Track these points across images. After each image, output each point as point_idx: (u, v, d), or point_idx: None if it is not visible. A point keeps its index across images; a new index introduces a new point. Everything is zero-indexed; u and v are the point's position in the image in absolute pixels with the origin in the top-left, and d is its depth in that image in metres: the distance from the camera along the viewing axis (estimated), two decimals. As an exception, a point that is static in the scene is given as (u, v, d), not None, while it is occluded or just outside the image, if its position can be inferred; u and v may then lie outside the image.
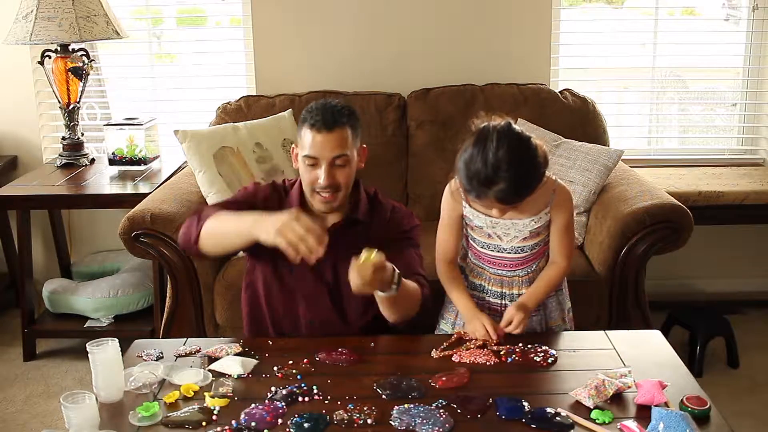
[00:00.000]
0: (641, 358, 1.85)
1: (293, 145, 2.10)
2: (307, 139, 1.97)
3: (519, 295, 2.09)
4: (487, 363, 1.83)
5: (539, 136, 3.08)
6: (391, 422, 1.58)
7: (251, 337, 2.15)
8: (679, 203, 2.73)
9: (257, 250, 1.97)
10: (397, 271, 1.86)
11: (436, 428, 1.54)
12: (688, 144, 3.92)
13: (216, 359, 1.86)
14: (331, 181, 1.97)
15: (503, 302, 2.10)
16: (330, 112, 1.97)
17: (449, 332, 2.13)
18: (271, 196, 2.11)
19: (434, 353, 1.88)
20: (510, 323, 1.94)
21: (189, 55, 3.84)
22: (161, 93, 3.82)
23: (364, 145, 2.11)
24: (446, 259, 2.11)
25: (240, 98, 3.42)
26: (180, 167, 3.45)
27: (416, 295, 1.99)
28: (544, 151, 1.89)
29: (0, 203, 3.27)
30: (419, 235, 2.15)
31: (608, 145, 3.31)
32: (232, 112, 3.36)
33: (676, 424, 1.49)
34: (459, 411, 1.62)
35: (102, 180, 3.30)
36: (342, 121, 1.98)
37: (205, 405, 1.66)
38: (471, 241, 2.10)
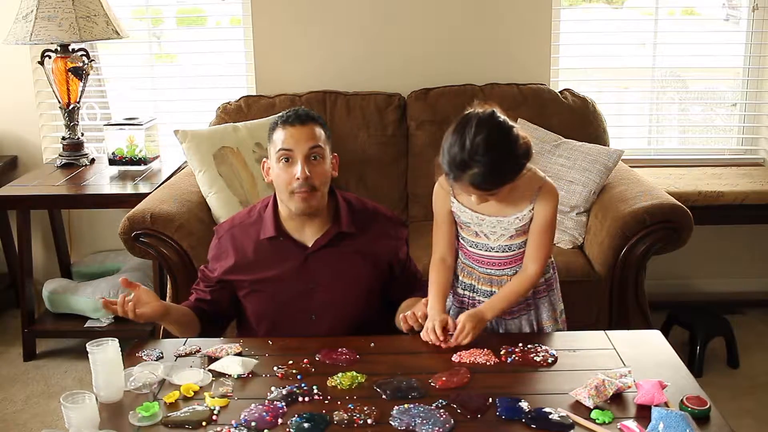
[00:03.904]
0: (641, 358, 1.85)
1: (264, 160, 2.09)
2: (280, 136, 1.99)
3: None
4: (487, 363, 1.83)
5: (539, 137, 3.11)
6: (391, 422, 1.58)
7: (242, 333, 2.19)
8: (679, 203, 2.73)
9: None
10: None
11: (436, 428, 1.54)
12: (688, 144, 3.92)
13: (216, 359, 1.85)
14: (307, 175, 1.97)
15: None
16: (299, 111, 2.03)
17: None
18: (239, 239, 2.11)
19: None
20: (461, 332, 1.90)
21: (189, 55, 3.84)
22: (161, 93, 3.82)
23: (335, 154, 2.11)
24: (436, 258, 2.10)
25: (240, 98, 3.43)
26: (180, 167, 3.45)
27: None
28: (527, 143, 1.89)
29: (0, 203, 3.28)
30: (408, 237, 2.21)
31: (608, 145, 3.31)
32: (232, 112, 3.36)
33: (676, 424, 1.49)
34: (459, 411, 1.62)
35: (102, 180, 3.30)
36: (314, 118, 2.03)
37: (205, 405, 1.66)
38: (461, 241, 2.09)
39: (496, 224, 2.01)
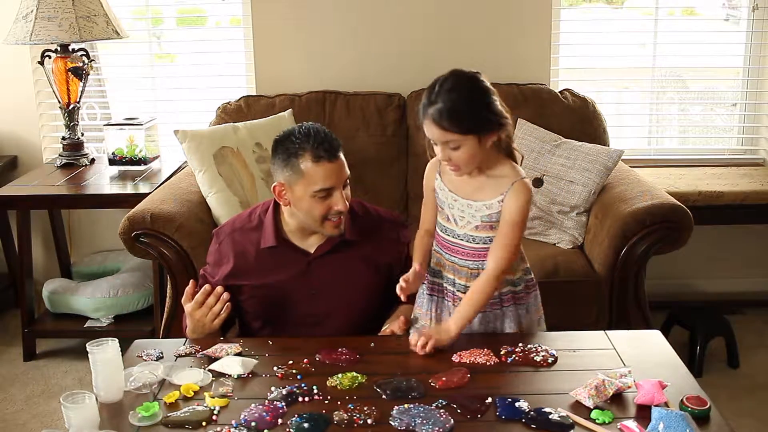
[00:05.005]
0: (641, 358, 1.85)
1: (276, 185, 2.01)
2: (317, 173, 1.95)
3: (466, 287, 2.02)
4: (487, 363, 1.83)
5: (539, 137, 3.11)
6: (391, 422, 1.58)
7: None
8: (679, 203, 2.73)
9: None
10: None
11: (436, 428, 1.54)
12: (688, 144, 3.92)
13: (216, 359, 1.85)
14: (348, 206, 2.00)
15: (455, 290, 2.05)
16: (327, 140, 1.97)
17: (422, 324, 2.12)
18: (240, 244, 2.10)
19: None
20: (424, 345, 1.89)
21: (189, 55, 3.84)
22: (161, 93, 3.82)
23: None
24: (422, 230, 2.12)
25: (240, 98, 3.43)
26: (180, 167, 3.45)
27: None
28: (502, 109, 1.91)
29: (0, 203, 3.28)
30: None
31: (608, 145, 3.31)
32: (232, 112, 3.36)
33: (676, 424, 1.49)
34: (459, 411, 1.62)
35: (102, 180, 3.30)
36: (339, 144, 2.00)
37: (205, 405, 1.66)
38: (435, 226, 2.11)
39: (465, 208, 1.99)
